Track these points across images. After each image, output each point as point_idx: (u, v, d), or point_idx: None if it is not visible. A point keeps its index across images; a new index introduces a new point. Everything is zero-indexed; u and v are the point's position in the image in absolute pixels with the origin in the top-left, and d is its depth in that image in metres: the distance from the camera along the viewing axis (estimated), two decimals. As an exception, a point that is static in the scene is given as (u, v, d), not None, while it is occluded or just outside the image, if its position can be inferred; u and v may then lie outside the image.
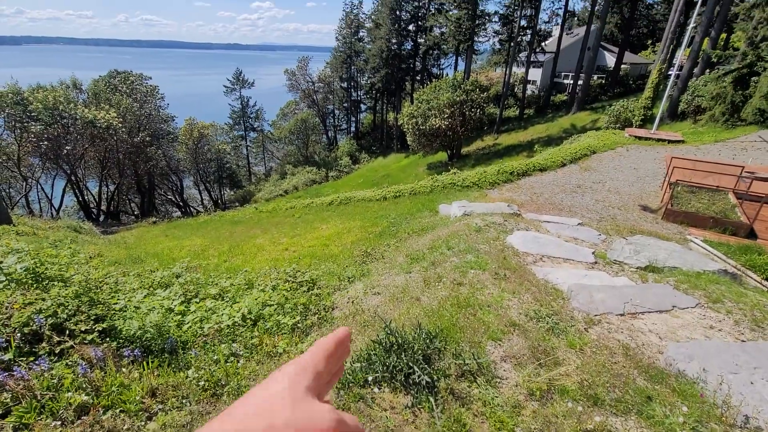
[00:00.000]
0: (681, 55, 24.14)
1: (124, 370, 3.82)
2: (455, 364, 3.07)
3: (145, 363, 3.91)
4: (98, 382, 3.62)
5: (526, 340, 3.59)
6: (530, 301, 4.63)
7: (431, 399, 2.71)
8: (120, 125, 26.49)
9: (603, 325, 4.38)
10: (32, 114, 22.36)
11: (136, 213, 35.83)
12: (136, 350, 4.05)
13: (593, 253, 7.36)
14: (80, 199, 28.70)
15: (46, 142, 23.10)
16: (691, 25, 21.88)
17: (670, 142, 20.66)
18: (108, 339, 4.32)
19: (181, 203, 40.14)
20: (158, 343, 4.43)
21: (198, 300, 6.31)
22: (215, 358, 4.24)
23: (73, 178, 26.77)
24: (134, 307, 5.39)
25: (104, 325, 4.41)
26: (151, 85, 35.99)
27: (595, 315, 4.59)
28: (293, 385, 0.42)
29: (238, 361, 4.25)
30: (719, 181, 12.72)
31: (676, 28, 28.01)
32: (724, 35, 32.01)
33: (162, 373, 3.81)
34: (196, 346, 4.62)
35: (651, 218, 11.66)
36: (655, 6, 46.85)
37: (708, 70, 25.77)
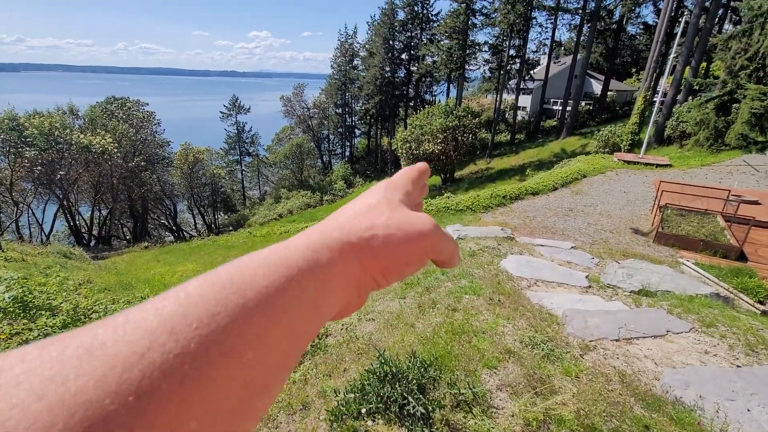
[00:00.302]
0: (664, 83, 25.07)
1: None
2: (450, 393, 3.02)
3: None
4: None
5: (522, 368, 3.56)
6: (525, 327, 4.61)
7: (426, 431, 2.66)
8: (115, 150, 26.61)
9: (598, 351, 4.35)
10: (27, 139, 22.43)
11: (128, 237, 35.47)
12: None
13: (587, 277, 7.38)
14: (71, 224, 28.42)
15: (39, 167, 23.08)
16: (672, 54, 22.87)
17: (658, 166, 21.13)
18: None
19: (174, 227, 39.86)
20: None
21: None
22: (205, 389, 4.13)
23: (65, 202, 26.59)
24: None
25: (91, 356, 4.30)
26: (147, 111, 36.42)
27: (590, 341, 4.57)
28: (388, 195, 0.42)
29: (228, 393, 4.14)
30: (707, 205, 12.96)
31: (659, 57, 29.20)
32: (704, 64, 33.37)
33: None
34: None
35: (642, 241, 11.78)
36: (637, 37, 48.94)
37: (691, 97, 26.71)
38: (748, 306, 7.57)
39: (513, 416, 2.93)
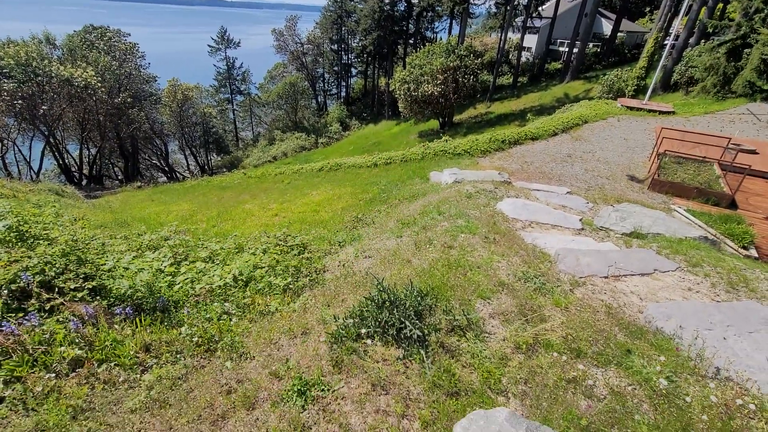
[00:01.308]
0: (678, 24, 23.70)
1: (116, 326, 3.84)
2: (446, 319, 3.15)
3: (137, 320, 3.93)
4: (91, 337, 3.63)
5: (514, 299, 3.69)
6: (518, 264, 4.73)
7: (422, 351, 2.80)
8: (99, 85, 25.28)
9: (587, 287, 4.52)
10: (4, 71, 21.14)
11: (120, 177, 34.97)
12: (128, 308, 4.05)
13: (581, 220, 7.49)
14: (60, 162, 27.78)
15: (20, 101, 22.00)
16: (691, -9, 21.36)
17: (661, 113, 20.67)
18: (98, 297, 4.31)
19: (166, 168, 39.22)
20: (150, 301, 4.44)
21: (188, 262, 6.29)
22: (208, 316, 4.28)
23: (51, 140, 25.76)
24: (123, 267, 5.35)
25: (93, 284, 4.39)
26: (130, 43, 34.10)
27: (581, 277, 4.73)
28: None
29: (230, 319, 4.30)
30: (706, 153, 12.87)
31: (676, -5, 27.36)
32: (721, 5, 31.41)
33: (155, 330, 3.84)
34: (188, 305, 4.64)
35: (638, 188, 11.84)
36: (656, -29, 45.46)
37: (703, 41, 25.47)
38: (732, 251, 7.81)
39: (504, 340, 3.09)
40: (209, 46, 50.53)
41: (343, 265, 6.24)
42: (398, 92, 29.20)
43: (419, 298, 3.28)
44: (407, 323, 2.95)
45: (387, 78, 45.44)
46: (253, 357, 3.23)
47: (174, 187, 23.09)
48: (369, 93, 55.68)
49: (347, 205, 12.08)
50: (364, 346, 2.90)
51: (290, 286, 5.36)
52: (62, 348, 3.33)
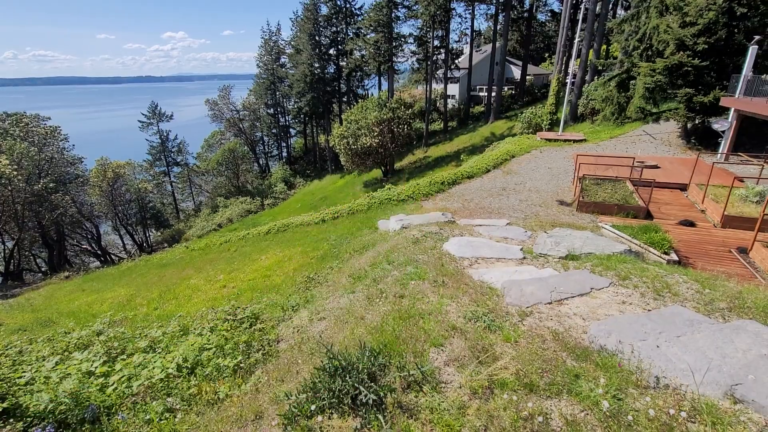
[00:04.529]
0: (573, 65, 27.32)
1: (34, 453, 3.32)
2: (400, 376, 3.11)
3: (60, 440, 3.43)
4: (1, 473, 3.11)
5: (466, 341, 3.75)
6: (468, 303, 4.85)
7: (379, 416, 2.71)
8: (15, 173, 23.51)
9: (534, 316, 4.71)
10: None
11: (43, 269, 31.66)
12: (48, 427, 3.55)
13: (521, 249, 7.92)
14: (-31, 262, 24.72)
15: None
16: (577, 39, 25.01)
17: (575, 141, 23.10)
18: (12, 420, 3.74)
19: (98, 252, 36.23)
20: (76, 413, 3.92)
21: (125, 356, 5.72)
22: (147, 417, 3.85)
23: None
24: (44, 377, 4.74)
25: (6, 405, 3.82)
26: (50, 126, 32.54)
27: (527, 307, 4.93)
28: None
29: (174, 417, 3.90)
30: (618, 172, 14.44)
31: (566, 42, 31.75)
32: (604, 46, 36.87)
33: (83, 448, 3.38)
34: (123, 408, 4.16)
35: (568, 211, 12.86)
36: (547, 24, 52.80)
37: (596, 77, 29.41)
38: (656, 257, 8.60)
39: (460, 387, 3.09)
40: (140, 121, 49.54)
41: (298, 332, 6.01)
42: (338, 147, 30.12)
43: (372, 359, 3.22)
44: (361, 388, 2.87)
45: (326, 134, 46.90)
46: (200, 458, 2.93)
47: (108, 271, 21.28)
48: (310, 150, 56.82)
49: (299, 266, 11.83)
50: (318, 423, 2.75)
51: (241, 365, 5.02)
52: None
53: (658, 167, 15.83)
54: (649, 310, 4.75)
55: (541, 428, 2.60)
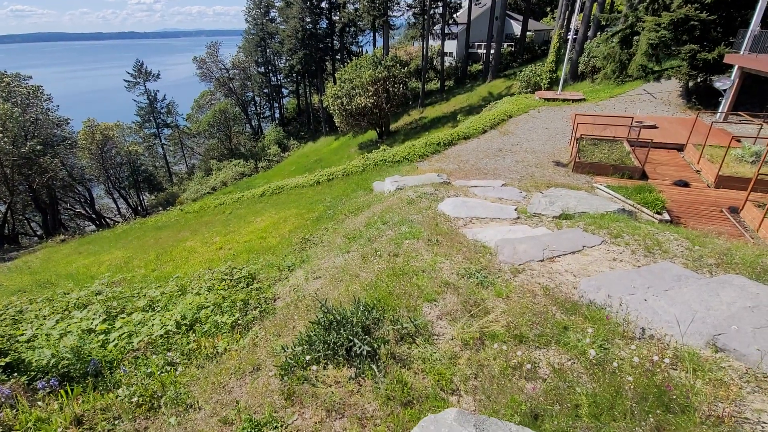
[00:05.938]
0: (575, 20, 26.19)
1: (40, 403, 3.44)
2: (393, 329, 3.18)
3: (64, 392, 3.54)
4: (10, 421, 3.23)
5: (459, 297, 3.82)
6: (461, 261, 4.90)
7: (373, 366, 2.80)
8: (0, 135, 22.82)
9: (526, 273, 4.78)
10: None
11: (39, 233, 31.59)
12: (52, 380, 3.65)
13: (516, 209, 7.93)
14: (-38, 226, 24.57)
15: None
16: (582, -10, 23.75)
17: (574, 101, 22.60)
18: (15, 374, 3.85)
19: (93, 215, 36.04)
20: (78, 368, 4.03)
21: (125, 315, 5.83)
22: (149, 371, 3.97)
23: (-53, 202, 22.75)
24: (45, 334, 4.83)
25: (8, 360, 3.91)
26: (33, 86, 31.22)
27: (519, 264, 5.00)
28: None
29: (175, 370, 4.02)
30: (615, 132, 14.25)
31: (570, -6, 30.24)
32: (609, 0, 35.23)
33: (87, 399, 3.49)
34: (125, 363, 4.28)
35: (563, 172, 12.80)
36: (551, -26, 50.04)
37: (599, 33, 28.32)
38: (648, 217, 8.68)
39: (452, 339, 3.18)
40: (125, 81, 47.70)
41: (294, 290, 6.10)
42: (332, 108, 29.35)
43: (366, 313, 3.28)
44: (356, 341, 2.94)
45: (320, 95, 45.51)
46: (201, 407, 3.04)
47: (104, 234, 21.28)
48: (304, 111, 55.37)
49: (294, 227, 11.86)
50: (314, 372, 2.84)
51: (239, 322, 5.14)
52: (-28, 442, 2.92)
53: (657, 127, 15.63)
54: (639, 267, 4.83)
55: (530, 375, 2.69)
